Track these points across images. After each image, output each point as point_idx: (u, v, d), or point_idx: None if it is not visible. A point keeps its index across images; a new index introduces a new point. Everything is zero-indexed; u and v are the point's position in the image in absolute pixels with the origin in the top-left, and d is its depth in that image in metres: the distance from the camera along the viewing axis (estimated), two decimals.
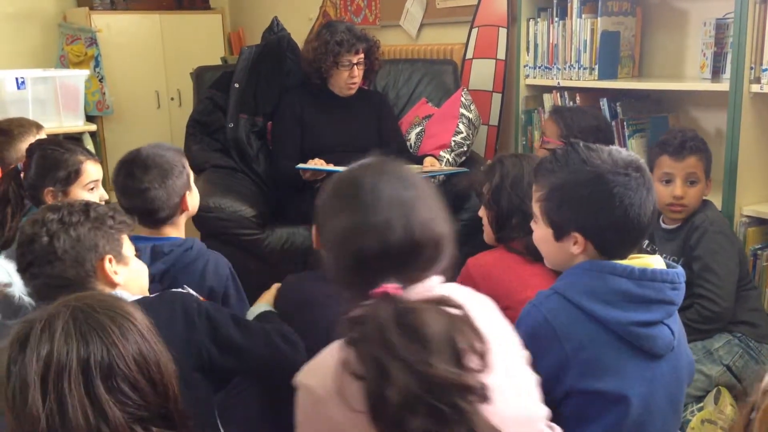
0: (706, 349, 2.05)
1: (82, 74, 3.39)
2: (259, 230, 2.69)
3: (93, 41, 4.83)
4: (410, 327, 1.00)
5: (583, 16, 2.77)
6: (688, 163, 2.14)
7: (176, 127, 5.26)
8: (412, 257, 1.11)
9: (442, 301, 1.05)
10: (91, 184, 2.17)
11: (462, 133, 3.00)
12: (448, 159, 2.94)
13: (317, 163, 2.68)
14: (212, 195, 2.59)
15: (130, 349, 1.02)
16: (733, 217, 2.33)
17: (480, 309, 1.17)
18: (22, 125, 2.49)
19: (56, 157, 2.12)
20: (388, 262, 1.09)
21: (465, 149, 3.01)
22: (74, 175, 2.12)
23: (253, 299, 1.97)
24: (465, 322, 1.03)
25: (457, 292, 1.18)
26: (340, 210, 1.14)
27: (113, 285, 1.48)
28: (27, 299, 1.82)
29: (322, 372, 1.07)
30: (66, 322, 1.01)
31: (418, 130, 3.13)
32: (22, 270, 1.44)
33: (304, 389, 1.10)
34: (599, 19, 2.73)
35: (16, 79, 3.11)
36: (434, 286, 1.15)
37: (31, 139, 2.25)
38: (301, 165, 2.68)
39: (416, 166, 2.78)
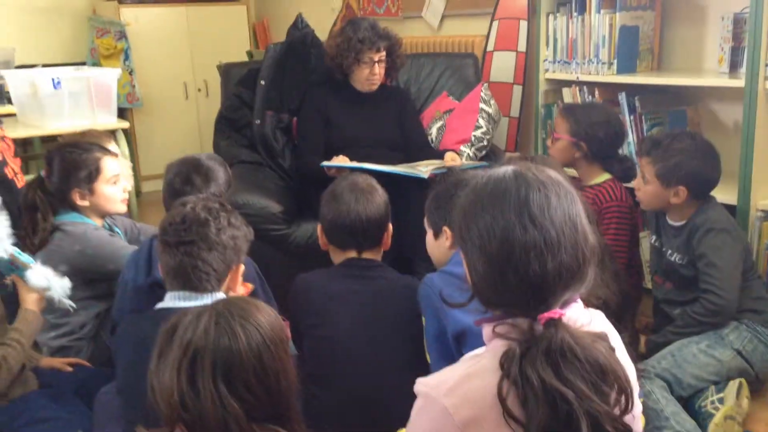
0: (717, 335, 2.12)
1: (114, 72, 3.49)
2: (286, 225, 2.78)
3: (122, 35, 4.95)
4: (585, 360, 1.02)
5: (601, 11, 2.80)
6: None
7: (204, 117, 5.38)
8: (577, 277, 1.07)
9: (603, 337, 1.07)
10: (113, 179, 2.29)
11: (482, 127, 3.06)
12: (468, 154, 3.01)
13: (341, 161, 2.76)
14: (241, 192, 2.69)
15: (252, 357, 1.15)
16: (748, 211, 2.37)
17: (615, 339, 1.17)
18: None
19: (74, 158, 2.23)
20: (553, 283, 1.05)
21: (485, 143, 3.07)
22: (95, 172, 2.25)
23: (278, 293, 2.08)
24: (618, 362, 1.06)
25: (598, 318, 1.18)
26: (505, 226, 1.06)
27: (233, 291, 1.66)
28: (67, 302, 1.94)
29: (466, 396, 1.04)
30: (208, 322, 1.17)
31: (439, 124, 3.19)
32: (174, 245, 1.56)
33: (440, 409, 1.05)
34: (618, 14, 2.77)
35: (53, 79, 3.23)
36: (581, 310, 1.12)
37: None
38: (325, 162, 2.76)
39: (438, 161, 2.85)
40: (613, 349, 1.07)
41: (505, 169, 1.12)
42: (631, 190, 2.46)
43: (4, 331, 1.92)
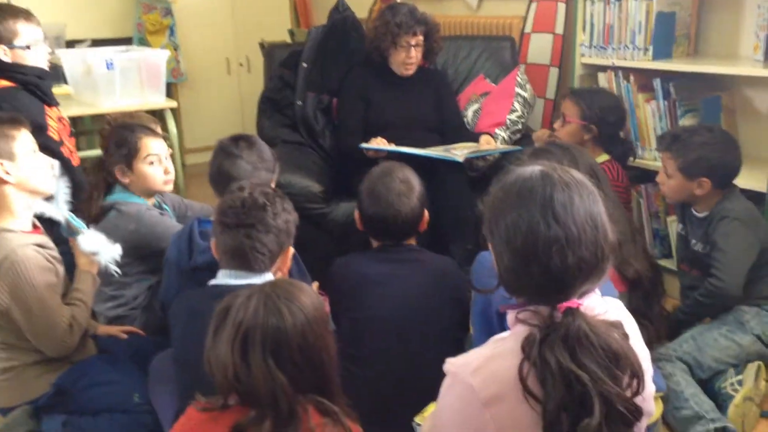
0: (738, 320, 2.20)
1: (164, 54, 3.63)
2: (325, 204, 2.90)
3: (168, 11, 5.08)
4: (599, 346, 1.11)
5: None
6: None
7: (245, 92, 5.51)
8: (596, 272, 1.16)
9: (617, 326, 1.17)
10: (151, 158, 2.38)
11: (517, 111, 3.13)
12: (503, 137, 3.08)
13: (379, 143, 2.86)
14: (283, 172, 2.79)
15: (297, 334, 1.28)
16: None
17: (631, 326, 1.25)
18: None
19: (120, 136, 2.37)
20: (573, 277, 1.14)
21: (520, 127, 3.14)
22: (133, 151, 2.36)
23: (317, 270, 2.19)
24: (631, 348, 1.15)
25: (614, 307, 1.26)
26: (530, 223, 1.15)
27: (282, 271, 1.79)
28: (113, 267, 2.10)
29: (491, 375, 1.14)
30: (257, 303, 1.29)
31: (475, 107, 3.26)
32: (234, 226, 1.69)
33: (467, 387, 1.15)
34: (655, 0, 2.79)
35: (106, 61, 3.37)
36: (598, 300, 1.21)
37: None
38: (363, 144, 2.86)
39: (473, 143, 2.94)
40: (626, 336, 1.17)
41: (532, 169, 1.21)
42: (627, 169, 2.71)
43: (67, 289, 2.09)
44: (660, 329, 2.27)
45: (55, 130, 2.65)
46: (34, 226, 2.07)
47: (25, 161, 1.99)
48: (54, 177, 2.09)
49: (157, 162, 2.41)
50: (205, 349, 1.31)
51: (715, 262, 2.20)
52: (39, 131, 2.49)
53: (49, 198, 2.09)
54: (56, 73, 3.32)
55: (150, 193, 2.46)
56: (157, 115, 3.43)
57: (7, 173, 1.95)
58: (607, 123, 2.69)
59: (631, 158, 2.82)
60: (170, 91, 4.96)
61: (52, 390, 2.03)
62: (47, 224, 2.13)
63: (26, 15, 2.62)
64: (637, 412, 1.13)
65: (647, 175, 2.85)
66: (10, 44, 2.58)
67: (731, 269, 2.18)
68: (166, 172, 2.44)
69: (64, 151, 2.66)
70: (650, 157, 2.87)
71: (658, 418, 1.94)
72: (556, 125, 2.81)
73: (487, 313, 1.78)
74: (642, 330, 1.31)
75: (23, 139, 2.00)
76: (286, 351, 1.27)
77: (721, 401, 2.07)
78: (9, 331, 2.00)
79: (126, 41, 4.97)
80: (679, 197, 2.36)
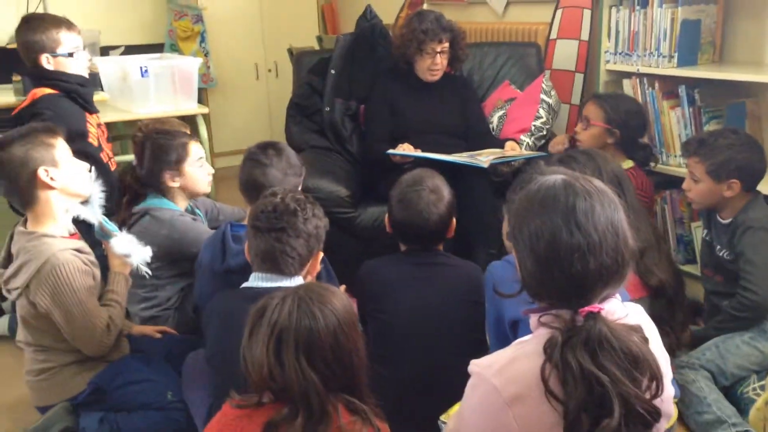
0: (761, 328, 2.21)
1: (196, 62, 3.73)
2: (353, 209, 2.96)
3: (199, 18, 5.19)
4: (620, 349, 1.15)
5: (664, 5, 2.84)
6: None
7: (273, 97, 5.60)
8: (616, 277, 1.21)
9: (637, 329, 1.20)
10: (199, 162, 2.48)
11: (542, 117, 3.16)
12: (528, 143, 3.12)
13: (405, 149, 2.91)
14: (311, 177, 2.86)
15: (328, 336, 1.34)
16: None
17: (651, 330, 1.30)
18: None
19: (165, 143, 2.43)
20: (594, 282, 1.19)
21: (544, 133, 3.18)
22: (184, 154, 2.43)
23: (345, 273, 2.24)
24: (650, 352, 1.19)
25: (634, 311, 1.31)
26: (553, 230, 1.19)
27: (311, 275, 1.86)
28: (144, 268, 2.17)
29: (514, 376, 1.19)
30: (291, 306, 1.35)
31: (500, 113, 3.31)
32: (266, 230, 1.75)
33: (490, 387, 1.19)
34: (680, 8, 2.80)
35: (140, 68, 3.47)
36: (618, 305, 1.26)
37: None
38: (390, 150, 2.91)
39: (498, 149, 2.98)
40: (646, 340, 1.21)
41: (555, 178, 1.26)
42: (651, 175, 2.74)
43: (102, 290, 2.16)
44: (681, 337, 2.29)
45: (94, 136, 2.73)
46: (71, 233, 2.14)
47: (66, 167, 2.08)
48: (91, 180, 2.17)
49: (204, 164, 2.51)
50: (240, 349, 1.37)
51: (746, 274, 2.20)
52: (80, 137, 2.58)
53: (84, 201, 2.16)
54: (94, 80, 3.41)
55: (197, 194, 2.54)
56: (188, 120, 3.51)
57: (53, 179, 2.03)
58: (630, 127, 2.73)
59: (653, 164, 2.84)
60: (200, 96, 5.04)
61: (89, 389, 2.11)
62: (82, 227, 2.20)
63: (68, 24, 2.71)
64: (656, 414, 1.17)
65: (672, 182, 2.87)
66: (53, 53, 2.66)
67: (764, 281, 2.18)
68: (207, 173, 2.53)
69: (103, 156, 2.75)
70: (675, 164, 2.88)
71: (674, 423, 1.97)
72: (578, 128, 2.84)
73: (499, 324, 1.83)
74: (663, 338, 1.35)
75: (61, 147, 2.09)
76: (318, 351, 1.32)
77: (743, 406, 2.10)
78: (45, 333, 2.08)
79: (158, 47, 5.09)
80: (709, 201, 2.35)
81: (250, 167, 2.18)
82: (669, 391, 1.28)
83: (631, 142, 2.77)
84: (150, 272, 2.20)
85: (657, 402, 1.18)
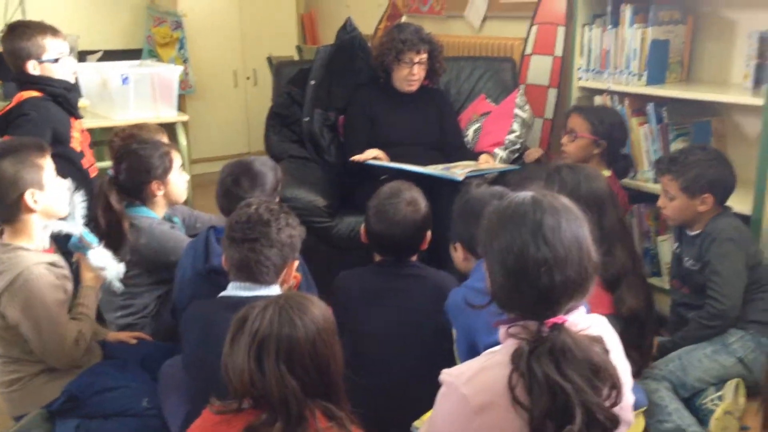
0: (723, 342, 2.27)
1: (177, 69, 3.76)
2: (330, 219, 3.00)
3: (179, 24, 5.21)
4: (582, 359, 1.21)
5: (634, 25, 2.94)
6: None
7: (252, 104, 5.63)
8: (580, 290, 1.27)
9: (598, 340, 1.27)
10: (180, 168, 2.50)
11: (516, 132, 3.24)
12: (501, 156, 3.20)
13: (378, 155, 3.00)
14: (289, 186, 2.91)
15: (308, 343, 1.38)
16: (761, 221, 2.48)
17: (612, 340, 1.36)
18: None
19: (150, 153, 2.43)
20: (560, 294, 1.25)
21: (518, 147, 3.25)
22: (169, 164, 2.45)
23: (322, 281, 2.27)
24: (611, 362, 1.25)
25: (597, 323, 1.36)
26: (522, 244, 1.25)
27: (287, 283, 1.88)
28: (117, 284, 2.18)
29: (482, 385, 1.24)
30: (273, 313, 1.39)
31: (476, 126, 3.38)
32: (240, 241, 1.78)
33: (460, 396, 1.25)
34: (650, 28, 2.90)
35: (121, 75, 3.49)
36: (582, 316, 1.31)
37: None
38: (370, 161, 2.97)
39: (472, 162, 3.04)
40: (607, 351, 1.28)
41: (525, 195, 1.32)
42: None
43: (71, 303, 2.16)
44: (648, 359, 2.32)
45: (77, 141, 2.74)
46: (45, 249, 2.13)
47: (50, 189, 2.08)
48: (70, 194, 2.16)
49: (183, 171, 2.52)
50: (221, 356, 1.41)
51: (712, 284, 2.27)
52: (63, 142, 2.59)
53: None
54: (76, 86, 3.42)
55: (176, 202, 2.55)
56: (167, 127, 3.52)
57: (36, 202, 2.03)
58: (615, 139, 2.82)
59: (632, 173, 2.95)
60: (178, 102, 5.04)
61: (64, 396, 2.10)
62: (60, 239, 2.19)
63: (53, 31, 2.72)
64: (615, 421, 1.23)
65: (640, 196, 2.96)
66: (39, 59, 2.68)
67: (730, 291, 2.25)
68: (185, 180, 2.55)
69: (84, 162, 2.76)
70: (643, 179, 2.97)
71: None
72: (565, 140, 2.89)
73: (472, 352, 1.82)
74: (631, 362, 1.41)
75: (49, 167, 2.09)
76: (298, 358, 1.37)
77: (701, 416, 2.17)
78: (14, 344, 2.08)
79: (136, 53, 5.10)
80: (684, 217, 2.40)
81: (227, 200, 2.18)
82: (628, 399, 1.35)
83: (614, 153, 2.86)
84: (123, 287, 2.22)
85: (616, 410, 1.25)
